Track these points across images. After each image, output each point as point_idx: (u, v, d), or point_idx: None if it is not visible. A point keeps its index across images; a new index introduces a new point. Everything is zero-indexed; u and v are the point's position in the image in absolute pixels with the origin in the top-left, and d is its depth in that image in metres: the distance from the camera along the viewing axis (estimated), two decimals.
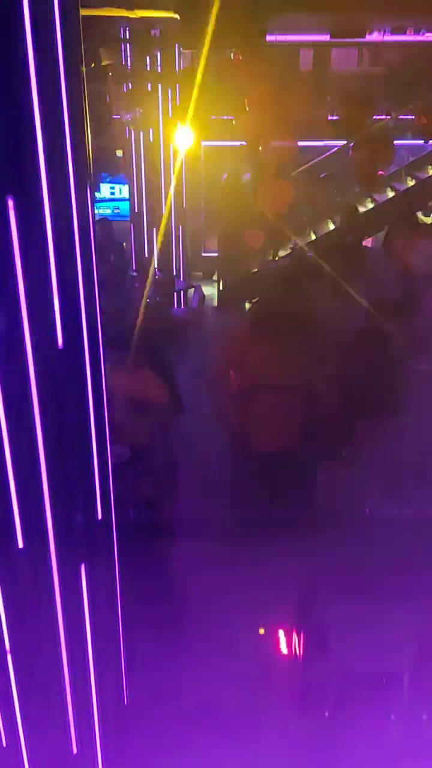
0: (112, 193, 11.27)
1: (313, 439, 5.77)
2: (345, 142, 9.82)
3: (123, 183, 10.29)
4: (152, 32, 8.27)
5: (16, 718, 2.70)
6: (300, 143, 9.66)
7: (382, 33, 9.65)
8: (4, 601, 2.43)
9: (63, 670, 2.70)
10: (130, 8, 6.44)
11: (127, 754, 3.39)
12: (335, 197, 10.05)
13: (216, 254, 10.80)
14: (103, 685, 2.95)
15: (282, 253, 10.62)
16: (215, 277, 10.82)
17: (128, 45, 8.56)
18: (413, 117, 9.94)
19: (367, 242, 9.86)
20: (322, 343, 5.57)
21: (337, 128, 8.99)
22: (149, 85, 8.41)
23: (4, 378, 2.12)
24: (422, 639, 3.42)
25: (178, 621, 4.37)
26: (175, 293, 9.21)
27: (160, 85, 8.58)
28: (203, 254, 11.57)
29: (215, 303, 10.09)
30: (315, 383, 5.34)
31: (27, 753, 2.80)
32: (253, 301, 8.72)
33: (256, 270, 10.26)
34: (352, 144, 9.73)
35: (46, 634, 2.59)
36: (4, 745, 2.81)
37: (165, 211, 9.10)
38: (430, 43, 10.79)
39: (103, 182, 10.99)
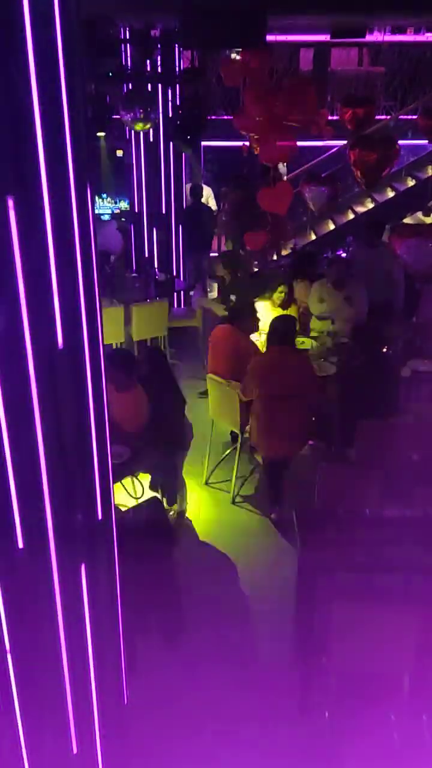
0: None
1: (313, 440, 5.78)
2: (345, 142, 9.81)
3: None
4: (152, 32, 8.27)
5: (16, 718, 2.70)
6: (300, 143, 9.66)
7: (382, 33, 9.64)
8: (4, 601, 2.42)
9: (63, 670, 2.70)
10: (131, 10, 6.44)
11: (127, 754, 3.38)
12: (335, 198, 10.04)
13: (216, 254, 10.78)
14: (103, 685, 2.94)
15: (283, 252, 10.63)
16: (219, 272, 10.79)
17: (128, 45, 8.55)
18: (414, 117, 9.94)
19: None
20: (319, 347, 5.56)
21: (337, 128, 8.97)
22: (149, 85, 8.41)
23: (4, 378, 2.12)
24: (422, 639, 3.42)
25: (179, 621, 4.37)
26: (175, 293, 9.20)
27: (160, 85, 8.59)
28: None
29: None
30: (313, 388, 5.34)
31: (27, 753, 2.80)
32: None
33: (256, 270, 10.26)
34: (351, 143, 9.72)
35: (46, 634, 2.59)
36: (4, 745, 2.81)
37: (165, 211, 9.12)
38: (430, 43, 10.80)
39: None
